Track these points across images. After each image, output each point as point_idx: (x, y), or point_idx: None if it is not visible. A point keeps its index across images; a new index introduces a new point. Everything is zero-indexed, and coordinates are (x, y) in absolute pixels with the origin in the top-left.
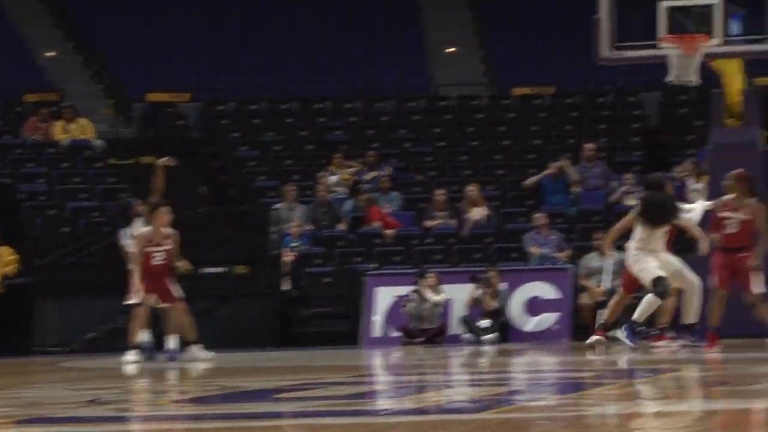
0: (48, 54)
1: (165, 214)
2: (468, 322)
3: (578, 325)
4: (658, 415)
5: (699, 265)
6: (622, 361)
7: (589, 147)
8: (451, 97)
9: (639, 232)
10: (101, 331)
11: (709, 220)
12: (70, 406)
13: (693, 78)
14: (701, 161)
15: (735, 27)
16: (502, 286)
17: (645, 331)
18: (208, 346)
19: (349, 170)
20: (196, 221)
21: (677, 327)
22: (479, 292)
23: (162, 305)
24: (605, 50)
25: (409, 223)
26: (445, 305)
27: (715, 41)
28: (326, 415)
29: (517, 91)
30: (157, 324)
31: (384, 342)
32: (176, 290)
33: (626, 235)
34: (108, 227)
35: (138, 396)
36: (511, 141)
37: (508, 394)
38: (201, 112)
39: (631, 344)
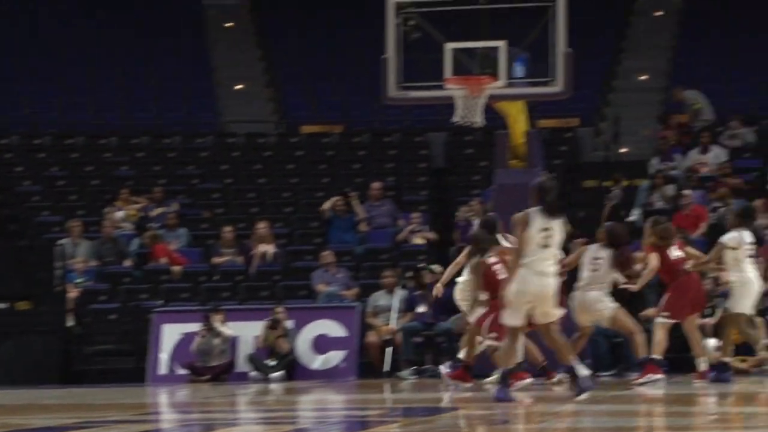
0: None
1: None
2: (255, 359)
3: (365, 363)
4: None
5: None
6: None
7: (376, 186)
8: (240, 134)
9: None
10: None
11: None
12: None
13: (478, 119)
14: (486, 201)
15: (519, 69)
16: (289, 324)
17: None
18: None
19: (136, 206)
20: None
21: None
22: (271, 332)
23: None
24: (392, 90)
25: (197, 259)
26: (232, 342)
27: (499, 83)
28: None
29: (306, 128)
30: None
31: (170, 379)
32: None
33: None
34: None
35: None
36: (299, 179)
37: None
38: None
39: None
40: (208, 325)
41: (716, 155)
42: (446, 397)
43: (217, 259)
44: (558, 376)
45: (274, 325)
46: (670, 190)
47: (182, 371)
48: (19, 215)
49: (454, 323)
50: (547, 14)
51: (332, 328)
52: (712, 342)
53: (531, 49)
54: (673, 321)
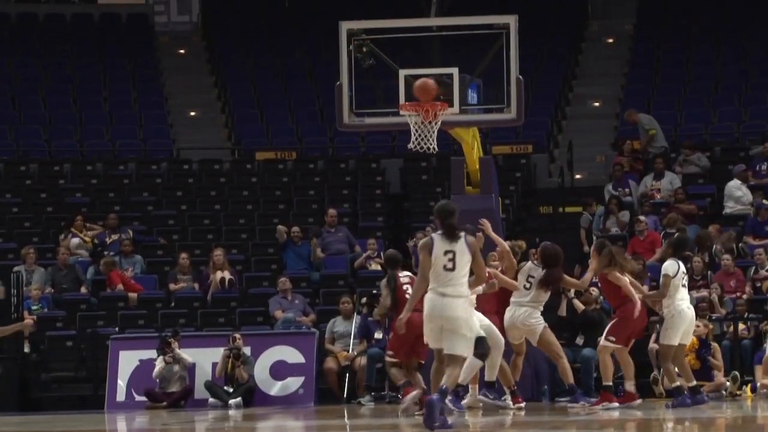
0: None
1: None
2: (212, 386)
3: (323, 389)
4: None
5: None
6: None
7: (332, 212)
8: (194, 160)
9: None
10: None
11: None
12: None
13: (432, 145)
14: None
15: (472, 96)
16: (246, 350)
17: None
18: None
19: (90, 233)
20: None
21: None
22: (232, 361)
23: None
24: (346, 116)
25: (152, 286)
26: (190, 369)
27: (453, 109)
28: None
29: (260, 155)
30: None
31: (128, 406)
32: None
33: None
34: None
35: None
36: (254, 205)
37: None
38: None
39: (457, 409)
40: (170, 351)
41: (670, 181)
42: (405, 423)
43: (173, 286)
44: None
45: (236, 355)
46: (624, 216)
47: (140, 398)
48: None
49: None
50: (500, 41)
51: (290, 354)
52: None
53: (484, 76)
54: (618, 347)
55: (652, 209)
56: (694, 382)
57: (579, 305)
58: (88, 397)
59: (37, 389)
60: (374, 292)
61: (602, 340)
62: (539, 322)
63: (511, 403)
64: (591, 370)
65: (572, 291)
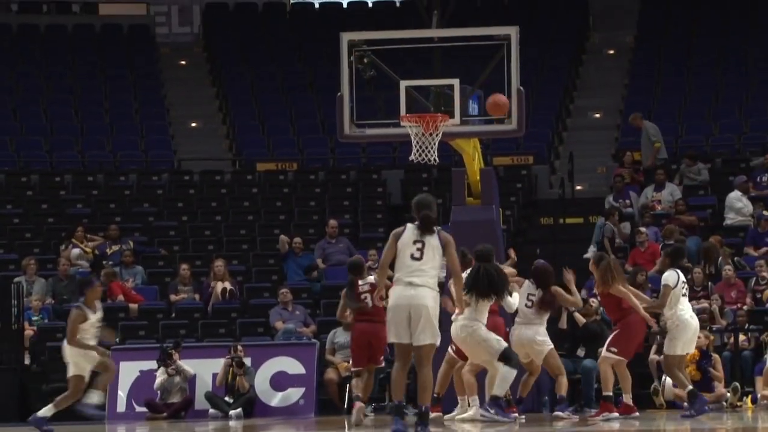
0: None
1: None
2: (213, 397)
3: (324, 400)
4: None
5: None
6: None
7: (332, 223)
8: (195, 171)
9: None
10: None
11: None
12: None
13: (433, 157)
14: None
15: (473, 107)
16: (247, 361)
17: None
18: None
19: (91, 244)
20: None
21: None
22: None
23: None
24: (347, 128)
25: (153, 297)
26: (191, 380)
27: (454, 121)
28: None
29: (261, 166)
30: None
31: (128, 417)
32: None
33: None
34: None
35: None
36: (255, 216)
37: None
38: None
39: (504, 419)
40: (171, 362)
41: (671, 192)
42: None
43: (174, 297)
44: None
45: (239, 363)
46: (625, 227)
47: (140, 409)
48: None
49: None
50: (501, 53)
51: (291, 365)
52: (669, 379)
53: (485, 87)
54: (619, 358)
55: (652, 220)
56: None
57: (580, 318)
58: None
59: (37, 400)
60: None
61: (604, 351)
62: (546, 343)
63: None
64: (592, 381)
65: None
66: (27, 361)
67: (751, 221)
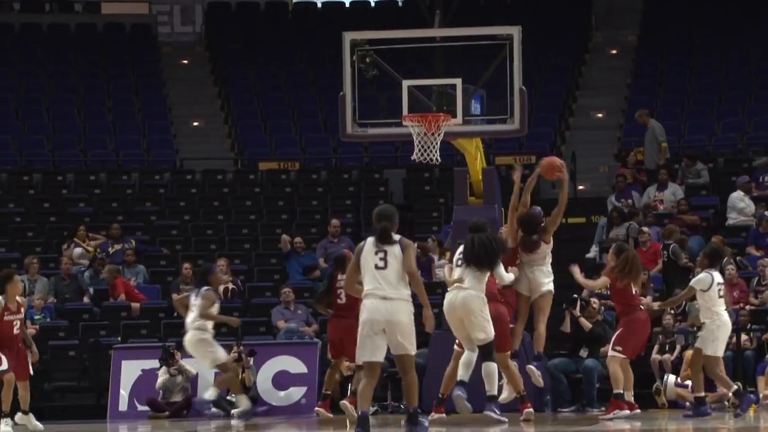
0: None
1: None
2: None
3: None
4: None
5: None
6: None
7: (334, 222)
8: (197, 171)
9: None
10: None
11: None
12: None
13: (435, 156)
14: (444, 238)
15: (475, 107)
16: (250, 360)
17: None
18: None
19: (94, 243)
20: None
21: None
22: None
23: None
24: (350, 127)
25: (155, 296)
26: (193, 378)
27: (456, 120)
28: None
29: (263, 165)
30: None
31: (130, 416)
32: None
33: None
34: None
35: None
36: (257, 215)
37: None
38: None
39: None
40: (174, 362)
41: (673, 192)
42: None
43: (176, 296)
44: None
45: (251, 352)
46: (630, 227)
47: (143, 408)
48: None
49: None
50: (503, 52)
51: (293, 364)
52: (671, 378)
53: (487, 87)
54: (624, 356)
55: (655, 220)
56: (702, 394)
57: (586, 324)
58: (91, 407)
59: (39, 399)
60: None
61: (609, 350)
62: (549, 284)
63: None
64: (593, 380)
65: (578, 309)
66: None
67: (754, 221)
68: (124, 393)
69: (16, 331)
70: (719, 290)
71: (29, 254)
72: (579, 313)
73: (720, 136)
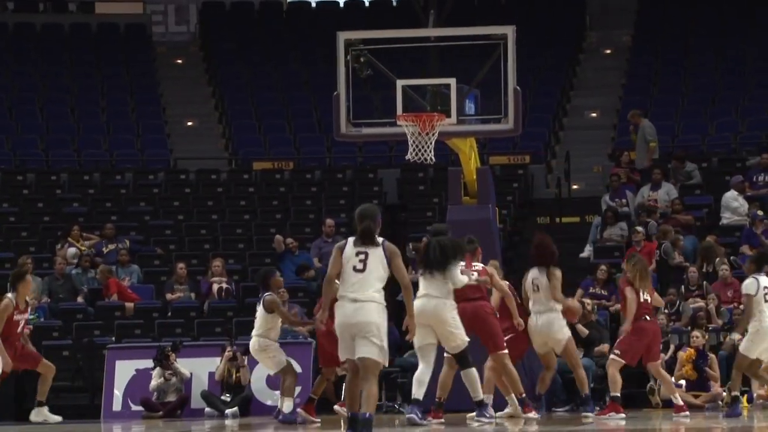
0: None
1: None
2: (209, 396)
3: (320, 399)
4: None
5: None
6: None
7: (329, 222)
8: (191, 170)
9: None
10: None
11: None
12: None
13: (430, 156)
14: None
15: (469, 107)
16: (245, 359)
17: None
18: None
19: (87, 243)
20: None
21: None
22: (231, 364)
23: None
24: (344, 127)
25: (149, 296)
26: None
27: (450, 120)
28: None
29: (257, 165)
30: None
31: (124, 416)
32: None
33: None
34: None
35: None
36: (251, 215)
37: None
38: None
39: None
40: (169, 364)
41: (667, 192)
42: None
43: (170, 296)
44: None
45: (246, 350)
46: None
47: (136, 407)
48: None
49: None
50: (497, 52)
51: None
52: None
53: (481, 87)
54: (622, 361)
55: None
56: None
57: (583, 331)
58: (85, 407)
59: (33, 399)
60: None
61: (610, 353)
62: (564, 331)
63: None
64: (589, 380)
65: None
66: None
67: (747, 221)
68: (117, 393)
69: (20, 329)
70: (766, 294)
71: (23, 254)
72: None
73: (714, 136)
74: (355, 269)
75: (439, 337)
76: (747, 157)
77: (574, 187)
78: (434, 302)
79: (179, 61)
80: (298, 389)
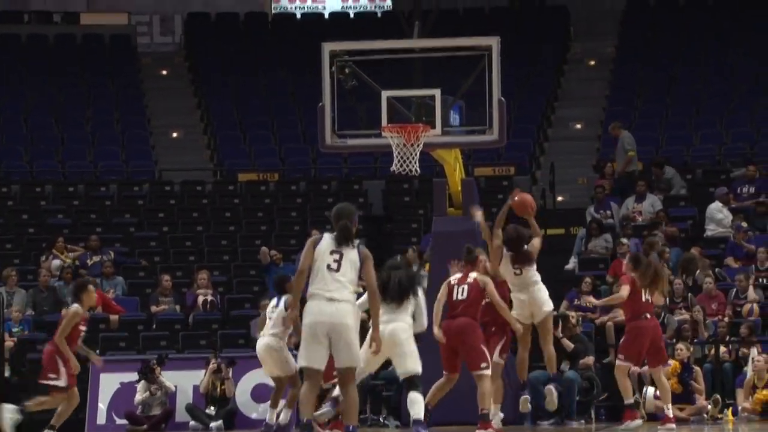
0: None
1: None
2: (193, 409)
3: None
4: None
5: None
6: None
7: (314, 234)
8: (176, 182)
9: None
10: None
11: None
12: None
13: (415, 167)
14: (424, 249)
15: (454, 118)
16: (229, 371)
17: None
18: None
19: (72, 254)
20: None
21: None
22: (216, 376)
23: None
24: (329, 138)
25: (134, 308)
26: (172, 392)
27: (435, 131)
28: None
29: (242, 176)
30: None
31: (108, 429)
32: None
33: None
34: None
35: None
36: (236, 227)
37: None
38: None
39: None
40: (153, 378)
41: (651, 203)
42: None
43: (154, 308)
44: None
45: (230, 362)
46: (607, 238)
47: (121, 421)
48: None
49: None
50: (482, 63)
51: None
52: (650, 390)
53: (466, 98)
54: (626, 365)
55: (633, 232)
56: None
57: (568, 344)
58: (69, 421)
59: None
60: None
61: (615, 360)
62: (549, 303)
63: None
64: (574, 393)
65: (560, 330)
66: (7, 373)
67: (732, 233)
68: (102, 406)
69: (79, 341)
70: None
71: (7, 266)
72: (561, 334)
73: (698, 147)
74: (329, 267)
75: (395, 360)
76: (731, 169)
77: (559, 198)
78: (392, 326)
79: (164, 72)
80: (282, 401)
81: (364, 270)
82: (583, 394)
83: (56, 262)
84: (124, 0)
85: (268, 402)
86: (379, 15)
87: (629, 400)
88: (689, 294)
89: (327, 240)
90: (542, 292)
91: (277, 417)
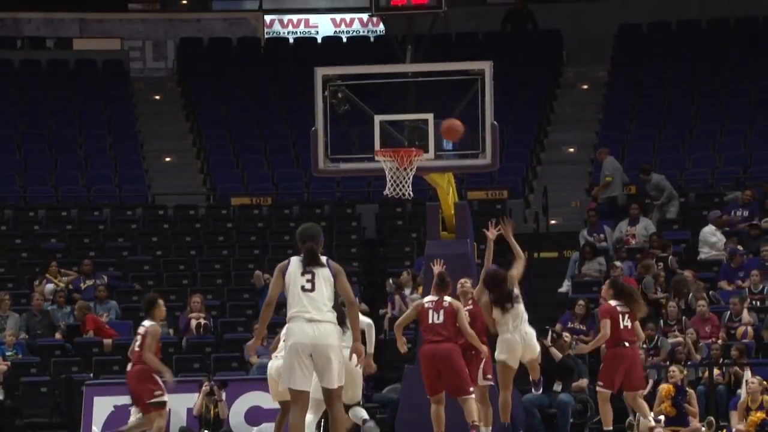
0: None
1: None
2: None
3: None
4: None
5: None
6: None
7: None
8: (169, 206)
9: None
10: None
11: None
12: None
13: (408, 191)
14: (418, 272)
15: (447, 142)
16: (222, 394)
17: None
18: None
19: (65, 279)
20: None
21: None
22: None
23: None
24: (322, 162)
25: (127, 332)
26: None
27: (428, 155)
28: None
29: (235, 200)
30: None
31: None
32: None
33: None
34: None
35: None
36: (229, 251)
37: None
38: None
39: None
40: None
41: (644, 227)
42: None
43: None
44: None
45: (222, 384)
46: (600, 262)
47: None
48: None
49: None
50: (475, 87)
51: (265, 399)
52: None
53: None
54: (605, 391)
55: (627, 255)
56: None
57: (556, 354)
58: None
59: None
60: None
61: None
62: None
63: None
64: (568, 416)
65: (549, 339)
66: (1, 396)
67: (725, 256)
68: (96, 429)
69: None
70: None
71: (1, 290)
72: (549, 343)
73: (691, 171)
74: (303, 289)
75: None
76: (724, 192)
77: (552, 222)
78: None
79: (157, 97)
80: (273, 425)
81: (338, 283)
82: (577, 417)
83: (50, 286)
84: (116, 25)
85: (262, 424)
86: (371, 39)
87: (608, 427)
88: (683, 317)
89: (295, 263)
90: (532, 332)
91: None
